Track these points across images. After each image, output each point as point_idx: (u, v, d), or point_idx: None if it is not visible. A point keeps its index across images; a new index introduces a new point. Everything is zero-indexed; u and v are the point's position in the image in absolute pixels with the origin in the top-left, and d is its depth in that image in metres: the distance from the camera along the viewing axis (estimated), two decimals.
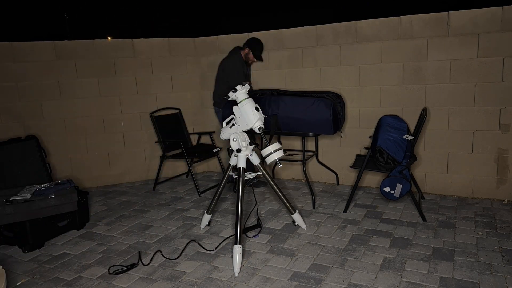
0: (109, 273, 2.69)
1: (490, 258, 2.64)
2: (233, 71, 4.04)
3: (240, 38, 4.52)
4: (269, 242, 3.04)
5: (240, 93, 2.80)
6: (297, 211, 3.22)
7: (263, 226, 3.33)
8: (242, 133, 2.90)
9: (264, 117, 2.89)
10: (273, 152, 2.74)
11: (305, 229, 3.25)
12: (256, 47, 4.11)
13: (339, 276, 2.51)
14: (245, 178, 2.88)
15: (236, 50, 4.18)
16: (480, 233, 3.03)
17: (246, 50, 4.11)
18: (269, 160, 2.76)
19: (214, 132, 4.79)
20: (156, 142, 4.69)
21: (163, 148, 4.45)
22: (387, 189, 3.23)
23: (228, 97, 2.85)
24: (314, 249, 2.90)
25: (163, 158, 4.44)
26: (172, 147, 4.51)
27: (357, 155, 3.95)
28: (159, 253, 2.94)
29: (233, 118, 2.91)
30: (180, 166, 5.02)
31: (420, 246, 2.86)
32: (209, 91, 4.90)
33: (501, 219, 3.26)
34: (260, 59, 4.17)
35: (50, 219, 3.23)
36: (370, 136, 3.66)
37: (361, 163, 3.48)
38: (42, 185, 3.42)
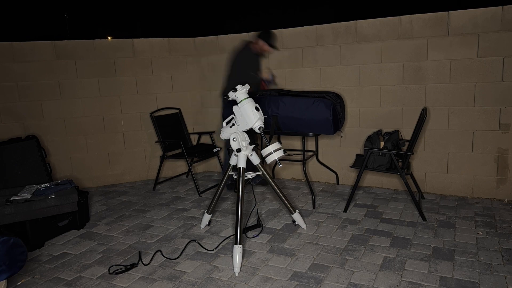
0: (109, 273, 2.70)
1: (490, 258, 2.64)
2: (244, 67, 3.97)
3: (240, 38, 4.52)
4: (269, 242, 3.04)
5: (240, 93, 2.80)
6: (297, 210, 3.22)
7: (263, 226, 3.34)
8: (242, 133, 2.91)
9: (264, 117, 2.89)
10: (273, 152, 2.74)
11: (305, 228, 3.25)
12: (269, 37, 4.00)
13: (339, 276, 2.51)
14: (245, 178, 2.89)
15: (247, 44, 4.09)
16: (480, 232, 3.03)
17: (260, 43, 3.99)
18: (269, 160, 2.76)
19: (214, 132, 4.80)
20: (156, 142, 4.69)
21: (163, 148, 4.45)
22: None
23: (228, 97, 2.86)
24: (314, 248, 2.90)
25: (163, 158, 4.44)
26: (172, 147, 4.51)
27: (357, 155, 3.95)
28: (159, 253, 2.94)
29: (233, 118, 2.92)
30: (180, 166, 5.03)
31: (420, 246, 2.86)
32: (209, 91, 4.92)
33: (501, 219, 3.26)
34: (275, 47, 4.05)
35: (50, 219, 3.23)
36: (369, 136, 3.66)
37: (361, 163, 3.49)
38: (42, 185, 3.42)
